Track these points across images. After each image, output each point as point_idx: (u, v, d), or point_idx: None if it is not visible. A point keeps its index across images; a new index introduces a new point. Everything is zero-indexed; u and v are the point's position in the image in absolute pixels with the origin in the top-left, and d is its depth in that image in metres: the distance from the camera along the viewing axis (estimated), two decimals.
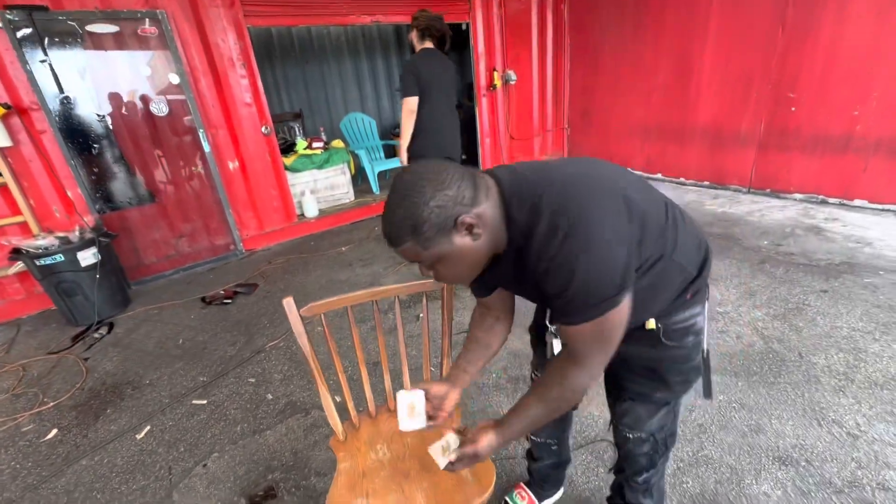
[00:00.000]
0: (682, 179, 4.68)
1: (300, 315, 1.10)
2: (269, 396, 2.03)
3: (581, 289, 0.74)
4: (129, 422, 1.97)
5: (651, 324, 0.94)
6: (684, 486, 1.43)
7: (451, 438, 0.96)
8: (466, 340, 1.13)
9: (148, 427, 1.92)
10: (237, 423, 1.89)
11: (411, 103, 2.83)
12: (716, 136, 4.27)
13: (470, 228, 0.76)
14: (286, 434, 1.80)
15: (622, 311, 0.77)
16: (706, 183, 4.49)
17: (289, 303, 1.09)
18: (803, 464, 1.47)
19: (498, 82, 5.07)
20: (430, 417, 1.02)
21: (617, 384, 1.07)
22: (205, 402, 2.04)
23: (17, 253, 2.71)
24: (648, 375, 1.00)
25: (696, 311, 0.96)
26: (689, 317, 0.95)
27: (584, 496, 1.44)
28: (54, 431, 1.95)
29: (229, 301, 3.04)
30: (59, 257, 2.69)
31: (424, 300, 1.23)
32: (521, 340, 2.27)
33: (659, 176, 4.81)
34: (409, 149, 2.88)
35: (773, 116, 3.82)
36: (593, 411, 1.75)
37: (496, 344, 1.09)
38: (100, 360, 2.47)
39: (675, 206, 0.93)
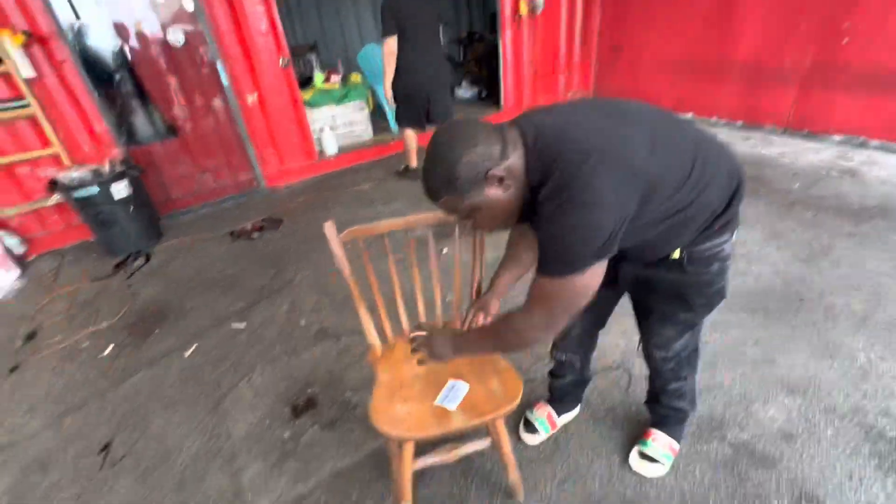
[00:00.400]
0: (714, 119, 4.47)
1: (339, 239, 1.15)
2: (302, 322, 2.17)
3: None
4: (176, 341, 2.13)
5: (676, 254, 0.97)
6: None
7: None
8: (504, 257, 1.21)
9: (194, 346, 2.08)
10: (274, 346, 2.03)
11: (391, 44, 2.94)
12: (755, 72, 4.01)
13: (500, 181, 0.82)
14: (321, 356, 1.94)
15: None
16: (739, 123, 4.30)
17: (329, 226, 1.15)
18: (811, 393, 1.55)
19: (524, 9, 4.75)
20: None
21: (644, 306, 1.13)
22: (243, 325, 2.19)
23: (53, 184, 2.80)
24: (673, 299, 1.05)
25: (724, 240, 0.98)
26: (716, 245, 0.97)
27: (599, 415, 1.55)
28: (111, 347, 2.13)
29: (256, 236, 3.14)
30: (95, 189, 2.77)
31: (457, 230, 1.27)
32: None
33: (690, 116, 4.60)
34: (393, 87, 3.20)
35: (821, 50, 3.56)
36: (616, 340, 1.83)
37: (529, 262, 1.17)
38: (141, 288, 2.63)
39: (706, 142, 0.91)
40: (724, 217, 0.94)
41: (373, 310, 1.27)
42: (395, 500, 1.33)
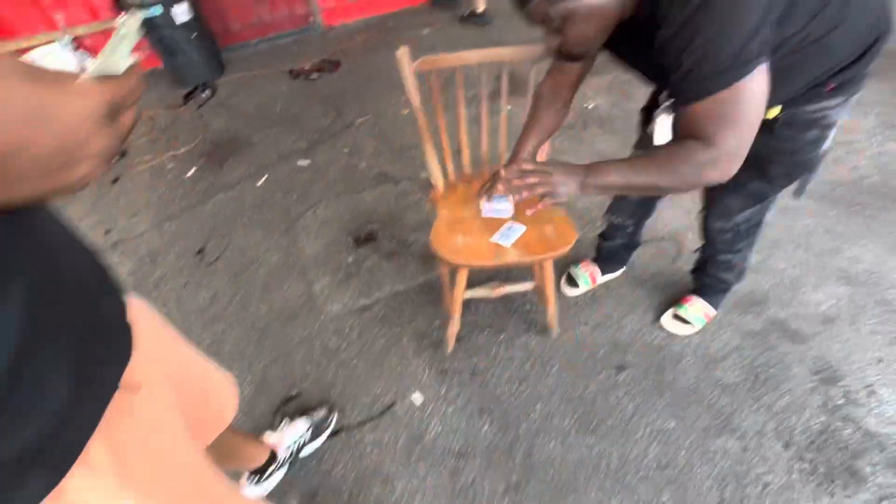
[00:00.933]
0: None
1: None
2: (363, 165, 2.24)
3: (703, 53, 0.68)
4: (247, 171, 2.30)
5: (773, 112, 0.88)
6: (741, 287, 1.55)
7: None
8: (528, 121, 1.14)
9: (264, 177, 2.24)
10: (337, 183, 2.16)
11: None
12: None
13: None
14: (380, 197, 2.05)
15: (753, 85, 0.69)
16: None
17: (404, 52, 1.10)
18: (869, 284, 1.52)
19: None
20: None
21: None
22: (307, 163, 2.30)
23: (118, 3, 2.76)
24: (751, 164, 0.98)
25: (833, 104, 0.86)
26: (821, 109, 0.87)
27: (642, 278, 1.62)
28: (193, 169, 2.34)
29: (315, 77, 3.07)
30: (157, 10, 2.72)
31: (534, 69, 1.19)
32: (605, 142, 2.21)
33: None
34: None
35: None
36: (675, 214, 1.81)
37: (554, 126, 1.13)
38: (212, 118, 2.75)
39: None
40: (843, 75, 0.82)
41: (437, 149, 1.29)
42: (446, 316, 1.53)
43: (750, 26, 0.66)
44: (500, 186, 1.00)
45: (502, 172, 0.99)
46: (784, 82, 0.81)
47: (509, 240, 1.16)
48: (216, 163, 2.38)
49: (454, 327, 1.36)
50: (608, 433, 1.25)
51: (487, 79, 1.19)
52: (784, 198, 1.68)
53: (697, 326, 1.44)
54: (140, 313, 0.59)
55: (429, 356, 1.45)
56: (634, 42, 0.80)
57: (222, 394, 0.76)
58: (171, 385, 0.55)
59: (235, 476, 1.17)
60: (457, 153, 1.33)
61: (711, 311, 1.44)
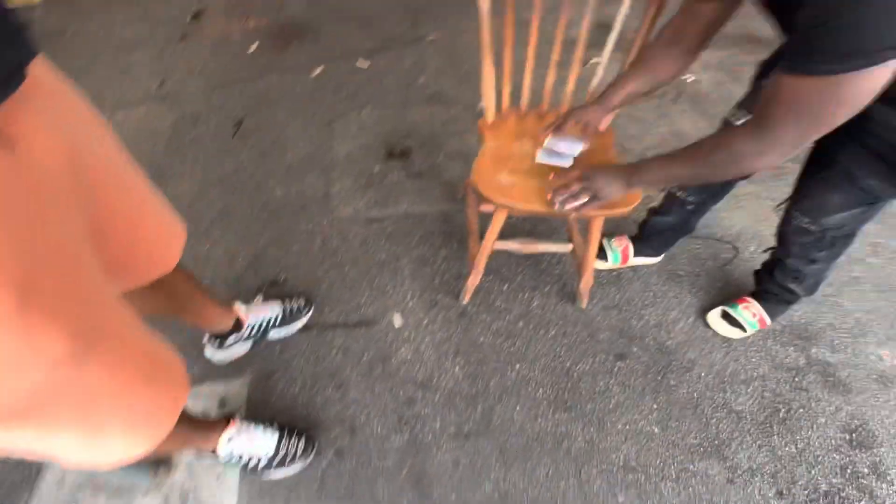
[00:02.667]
0: None
1: None
2: (421, 81, 2.10)
3: (844, 23, 0.51)
4: (307, 59, 2.22)
5: None
6: (793, 314, 1.33)
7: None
8: (634, 62, 0.96)
9: (321, 68, 2.16)
10: (389, 93, 2.04)
11: None
12: None
13: None
14: (429, 117, 1.92)
15: (868, 83, 0.54)
16: None
17: None
18: None
19: None
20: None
21: (826, 155, 0.85)
22: (367, 65, 2.18)
23: None
24: (880, 153, 0.77)
25: None
26: None
27: (679, 274, 1.43)
28: (255, 46, 2.29)
29: None
30: None
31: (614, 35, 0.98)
32: (690, 122, 1.94)
33: None
34: None
35: None
36: (744, 218, 1.56)
37: (665, 75, 0.92)
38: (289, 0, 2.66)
39: None
40: None
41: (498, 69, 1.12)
42: (455, 251, 1.43)
43: None
44: (570, 123, 0.99)
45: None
46: None
47: (564, 159, 1.01)
48: (280, 44, 2.32)
49: (476, 278, 1.24)
50: (582, 416, 1.13)
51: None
52: (882, 234, 1.41)
53: (749, 331, 1.25)
54: (61, 88, 0.52)
55: (423, 284, 1.37)
56: None
57: (158, 233, 0.69)
58: (78, 183, 0.49)
59: (200, 335, 1.17)
60: (517, 84, 1.16)
61: (768, 320, 1.25)
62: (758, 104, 0.68)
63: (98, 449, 0.55)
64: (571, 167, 1.02)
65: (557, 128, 1.03)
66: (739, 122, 0.99)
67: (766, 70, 0.95)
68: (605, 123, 1.02)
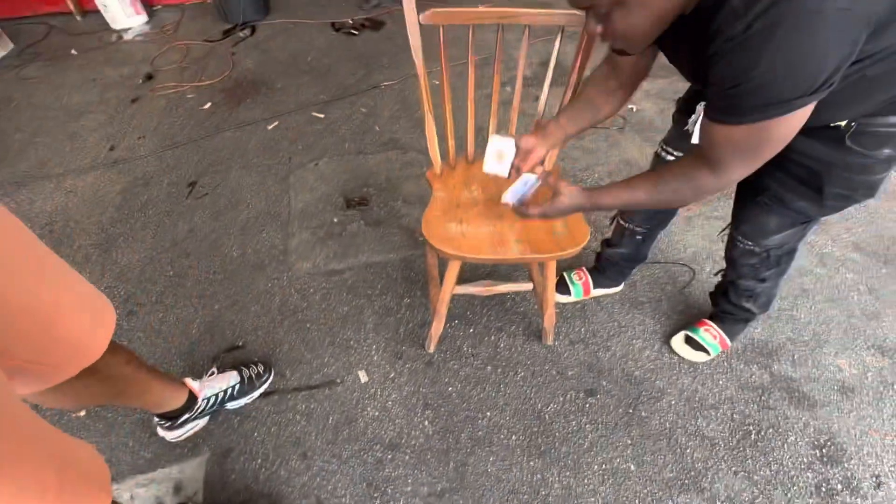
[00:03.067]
0: None
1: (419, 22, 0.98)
2: (377, 128, 2.13)
3: (755, 85, 0.56)
4: (262, 113, 2.23)
5: (844, 121, 0.71)
6: (753, 331, 1.36)
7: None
8: (574, 98, 0.99)
9: (276, 122, 2.17)
10: (345, 141, 2.06)
11: None
12: None
13: None
14: (385, 162, 1.94)
15: (791, 123, 0.60)
16: None
17: (408, 2, 0.96)
18: None
19: None
20: (517, 170, 1.00)
21: (756, 182, 0.89)
22: (322, 116, 2.21)
23: None
24: (804, 179, 0.82)
25: None
26: None
27: (641, 301, 1.45)
28: (209, 104, 2.29)
29: (356, 33, 2.97)
30: None
31: (560, 36, 1.03)
32: (638, 150, 2.02)
33: None
34: None
35: None
36: (695, 239, 1.61)
37: (607, 110, 0.95)
38: (243, 58, 2.69)
39: None
40: None
41: (439, 124, 1.15)
42: (418, 298, 1.42)
43: (830, 65, 0.53)
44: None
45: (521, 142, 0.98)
46: (864, 96, 0.67)
47: (519, 196, 1.00)
48: (234, 100, 2.32)
49: (439, 326, 1.22)
50: (557, 460, 1.11)
51: (508, 48, 1.04)
52: (827, 245, 1.47)
53: (712, 354, 1.27)
54: None
55: (387, 335, 1.34)
56: (681, 35, 0.66)
57: (79, 326, 0.65)
58: None
59: (147, 418, 1.10)
60: (462, 127, 1.19)
61: (728, 342, 1.27)
62: (699, 147, 0.72)
63: None
64: (527, 208, 0.99)
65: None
66: (671, 158, 1.04)
67: (685, 107, 1.00)
68: (536, 157, 1.02)
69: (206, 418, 1.14)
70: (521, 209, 0.94)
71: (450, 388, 1.23)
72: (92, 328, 0.67)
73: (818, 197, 0.83)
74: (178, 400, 1.03)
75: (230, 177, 1.87)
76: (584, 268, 1.44)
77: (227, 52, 2.75)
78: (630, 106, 2.29)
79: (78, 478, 0.53)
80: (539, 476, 1.08)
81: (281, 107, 2.28)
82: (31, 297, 0.57)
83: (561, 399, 1.21)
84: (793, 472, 1.10)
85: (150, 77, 2.50)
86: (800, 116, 0.59)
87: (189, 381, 1.07)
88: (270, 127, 2.15)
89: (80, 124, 2.17)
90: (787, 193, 0.86)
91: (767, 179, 0.87)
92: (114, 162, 1.95)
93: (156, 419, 1.07)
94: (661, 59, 0.86)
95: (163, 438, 1.10)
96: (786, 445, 1.14)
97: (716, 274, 1.27)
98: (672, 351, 1.31)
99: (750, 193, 0.94)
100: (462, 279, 1.16)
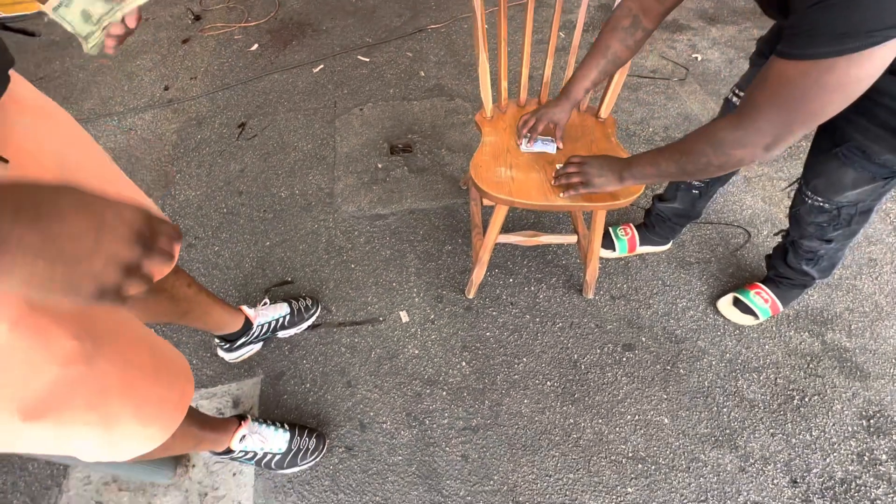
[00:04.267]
0: None
1: None
2: (422, 73, 2.08)
3: (834, 6, 0.49)
4: (308, 56, 2.21)
5: None
6: (808, 298, 1.30)
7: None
8: (594, 50, 0.93)
9: (322, 66, 2.15)
10: (391, 87, 2.02)
11: None
12: None
13: None
14: (430, 109, 1.90)
15: (871, 65, 0.51)
16: None
17: None
18: None
19: None
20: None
21: (835, 127, 0.82)
22: (368, 59, 2.17)
23: None
24: (893, 128, 0.74)
25: None
26: None
27: (688, 261, 1.40)
28: (256, 45, 2.29)
29: None
30: None
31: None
32: (700, 104, 1.89)
33: None
34: None
35: None
36: (754, 201, 1.52)
37: (626, 58, 0.92)
38: None
39: None
40: None
41: (493, 64, 1.10)
42: (460, 246, 1.43)
43: None
44: (540, 126, 1.02)
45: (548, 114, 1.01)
46: None
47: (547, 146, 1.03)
48: (280, 42, 2.31)
49: (480, 272, 1.23)
50: (590, 408, 1.13)
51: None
52: None
53: (761, 318, 1.23)
54: (44, 104, 0.53)
55: (428, 279, 1.37)
56: None
57: None
58: None
59: (208, 340, 1.20)
60: (515, 75, 1.14)
61: (780, 307, 1.23)
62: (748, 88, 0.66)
63: (114, 444, 0.58)
64: (570, 155, 1.00)
65: (531, 131, 1.04)
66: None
67: (765, 48, 0.91)
68: (565, 118, 1.03)
69: (260, 344, 1.22)
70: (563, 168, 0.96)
71: (488, 333, 1.26)
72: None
73: None
74: (236, 324, 1.11)
75: (278, 119, 1.90)
76: (630, 223, 1.40)
77: None
78: (695, 55, 2.12)
79: (168, 364, 0.60)
80: (572, 421, 1.11)
81: (326, 49, 2.25)
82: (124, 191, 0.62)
83: (598, 351, 1.22)
84: (834, 440, 1.08)
85: (198, 18, 2.51)
86: (877, 61, 0.51)
87: (245, 308, 1.15)
88: (316, 70, 2.13)
89: (136, 64, 2.23)
90: (873, 144, 0.78)
91: (850, 129, 0.80)
92: (168, 101, 2.01)
93: (216, 341, 1.16)
94: (733, 2, 0.78)
95: (222, 359, 1.20)
96: (830, 413, 1.11)
97: (776, 234, 1.20)
98: (718, 313, 1.28)
99: (828, 144, 0.86)
100: (504, 229, 1.15)
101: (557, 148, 1.06)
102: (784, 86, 0.58)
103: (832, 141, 0.83)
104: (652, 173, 0.83)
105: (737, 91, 0.98)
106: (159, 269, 0.72)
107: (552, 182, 0.99)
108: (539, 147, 1.06)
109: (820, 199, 0.91)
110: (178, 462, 1.05)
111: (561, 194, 0.96)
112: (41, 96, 0.57)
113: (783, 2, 0.60)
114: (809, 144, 0.93)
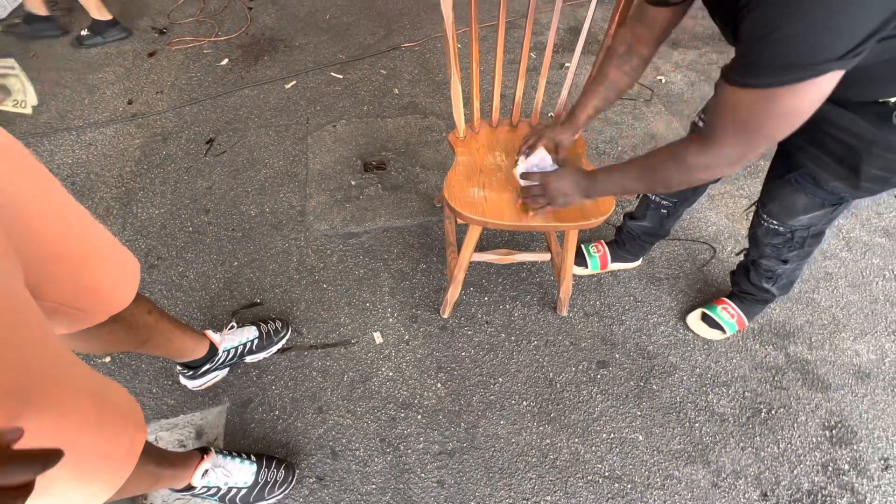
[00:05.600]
0: None
1: None
2: (396, 91, 2.08)
3: (783, 36, 0.52)
4: (279, 72, 2.19)
5: (891, 97, 0.67)
6: (771, 312, 1.35)
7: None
8: (594, 78, 0.96)
9: (294, 82, 2.13)
10: (364, 104, 2.02)
11: None
12: None
13: None
14: (403, 126, 1.90)
15: (810, 94, 0.55)
16: None
17: None
18: None
19: None
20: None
21: (789, 159, 0.86)
22: (341, 76, 2.16)
23: None
24: (840, 157, 0.78)
25: None
26: None
27: (658, 277, 1.43)
28: (226, 60, 2.25)
29: None
30: None
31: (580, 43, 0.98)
32: (664, 124, 1.96)
33: None
34: None
35: None
36: (719, 219, 1.58)
37: (625, 85, 0.94)
38: (260, 13, 2.62)
39: None
40: None
41: (465, 86, 1.11)
42: (434, 264, 1.42)
43: (866, 27, 0.49)
44: (540, 144, 1.02)
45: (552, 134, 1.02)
46: None
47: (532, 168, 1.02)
48: (251, 58, 2.28)
49: (455, 291, 1.21)
50: (566, 427, 1.13)
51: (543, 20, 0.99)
52: (855, 229, 1.44)
53: (728, 333, 1.26)
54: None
55: (403, 299, 1.35)
56: None
57: (106, 274, 0.67)
58: (12, 233, 0.46)
59: (170, 366, 1.14)
60: (487, 91, 1.16)
61: (746, 321, 1.26)
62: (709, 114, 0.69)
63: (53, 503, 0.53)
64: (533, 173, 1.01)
65: (530, 148, 1.04)
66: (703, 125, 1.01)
67: None
68: (569, 142, 1.04)
69: (226, 370, 1.17)
70: (528, 199, 0.96)
71: (463, 353, 1.25)
72: (117, 277, 0.69)
73: (854, 177, 0.79)
74: (200, 350, 1.06)
75: (248, 135, 1.86)
76: (602, 241, 1.43)
77: (244, 6, 2.67)
78: (659, 77, 2.21)
79: (114, 411, 0.55)
80: (548, 441, 1.10)
81: (299, 66, 2.23)
82: (61, 243, 0.58)
83: (573, 369, 1.23)
84: (801, 451, 1.11)
85: (162, 32, 2.45)
86: (814, 91, 0.55)
87: (210, 332, 1.10)
88: (288, 86, 2.11)
89: (99, 76, 2.15)
90: (822, 172, 0.83)
91: (801, 156, 0.84)
92: (132, 116, 1.94)
93: (178, 368, 1.11)
94: (693, 28, 0.81)
95: (185, 387, 1.14)
96: (796, 425, 1.15)
97: (738, 254, 1.25)
98: (687, 328, 1.31)
99: (781, 170, 0.90)
100: (479, 247, 1.15)
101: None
102: (737, 112, 0.61)
103: (786, 167, 0.87)
104: (617, 189, 0.85)
105: (702, 115, 1.02)
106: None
107: (516, 202, 0.99)
108: (537, 170, 1.04)
109: (775, 222, 0.96)
110: (133, 502, 0.98)
111: (530, 213, 0.96)
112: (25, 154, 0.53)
113: (736, 29, 0.63)
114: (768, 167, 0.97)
